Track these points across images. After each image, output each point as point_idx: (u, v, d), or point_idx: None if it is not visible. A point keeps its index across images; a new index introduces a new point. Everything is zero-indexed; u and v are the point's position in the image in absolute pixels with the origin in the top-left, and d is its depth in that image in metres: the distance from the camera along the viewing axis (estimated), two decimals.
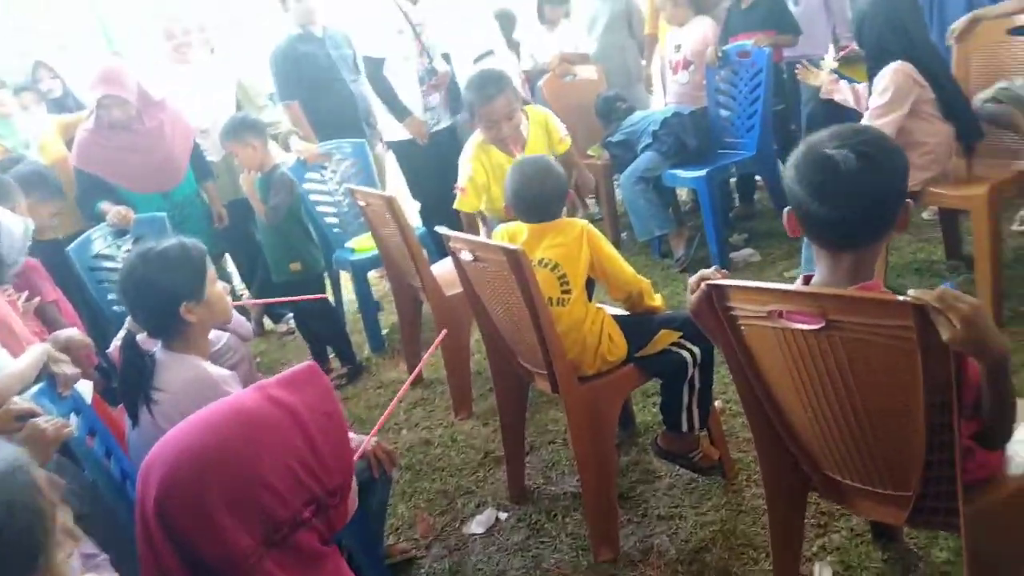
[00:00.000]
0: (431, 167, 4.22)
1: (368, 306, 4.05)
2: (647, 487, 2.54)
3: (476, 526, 2.56)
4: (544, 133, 3.25)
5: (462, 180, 3.19)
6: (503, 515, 2.59)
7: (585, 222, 2.31)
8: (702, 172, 3.84)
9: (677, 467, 2.50)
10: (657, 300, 2.36)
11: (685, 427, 2.32)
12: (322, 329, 3.86)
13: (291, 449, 1.11)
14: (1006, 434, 1.38)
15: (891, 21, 2.79)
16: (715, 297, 1.55)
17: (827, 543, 2.10)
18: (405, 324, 3.62)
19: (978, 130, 2.88)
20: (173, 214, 3.86)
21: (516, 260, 2.03)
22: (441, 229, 2.40)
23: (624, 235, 4.69)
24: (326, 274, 4.11)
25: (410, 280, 3.40)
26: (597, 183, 4.45)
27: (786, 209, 1.51)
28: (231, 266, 4.82)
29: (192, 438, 1.07)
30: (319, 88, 4.32)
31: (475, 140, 3.19)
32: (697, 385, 2.28)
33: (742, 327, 1.56)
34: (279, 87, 4.33)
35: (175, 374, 1.92)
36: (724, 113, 4.15)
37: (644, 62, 5.01)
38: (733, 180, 4.52)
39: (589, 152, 4.63)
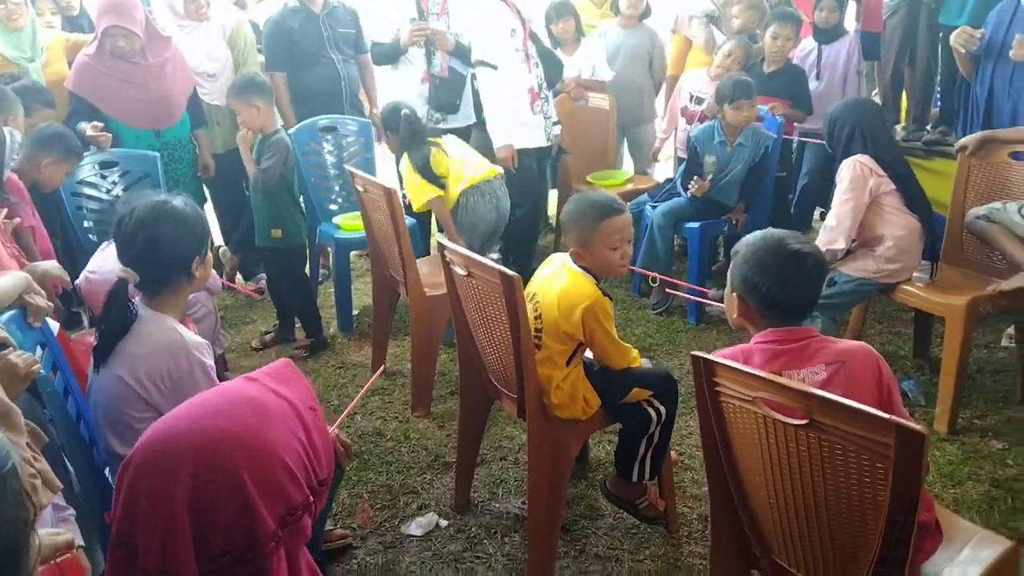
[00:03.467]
0: None
1: (344, 284, 4.04)
2: (589, 523, 2.57)
3: (415, 528, 2.58)
4: None
5: None
6: (444, 522, 2.61)
7: (594, 300, 2.16)
8: (696, 224, 3.90)
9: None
10: (637, 362, 2.36)
11: (636, 476, 2.36)
12: (293, 298, 3.84)
13: (296, 436, 1.13)
14: None
15: (860, 127, 3.02)
16: (703, 371, 1.59)
17: None
18: (379, 312, 3.61)
19: (932, 230, 3.05)
20: (163, 155, 3.83)
21: (511, 286, 2.05)
22: (440, 238, 2.40)
23: None
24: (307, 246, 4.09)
25: (392, 271, 3.40)
26: None
27: (732, 293, 1.79)
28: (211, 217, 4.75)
29: (217, 422, 1.06)
30: (304, 63, 4.32)
31: None
32: (656, 441, 2.33)
33: (723, 403, 1.61)
34: (268, 57, 4.34)
35: (151, 333, 1.90)
36: None
37: (659, 98, 5.05)
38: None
39: (588, 179, 4.67)
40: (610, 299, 2.24)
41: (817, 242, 3.04)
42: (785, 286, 1.70)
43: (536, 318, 2.22)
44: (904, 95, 4.50)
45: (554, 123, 4.19)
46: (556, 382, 2.22)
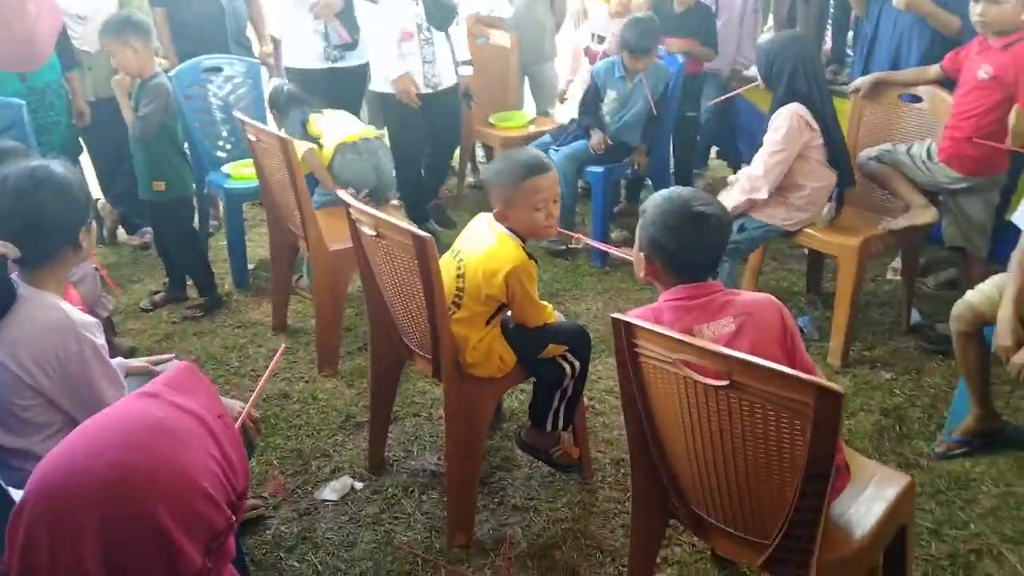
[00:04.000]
0: (324, 102, 4.02)
1: (237, 238, 3.85)
2: (506, 475, 2.59)
3: (329, 492, 2.52)
4: None
5: None
6: (359, 484, 2.56)
7: (518, 263, 2.12)
8: (600, 168, 3.89)
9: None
10: (552, 318, 2.34)
11: (550, 427, 2.38)
12: (181, 255, 3.63)
13: (211, 455, 1.02)
14: None
15: (802, 64, 2.95)
16: (623, 333, 1.58)
17: (669, 555, 2.22)
18: (277, 267, 3.46)
19: (851, 179, 3.10)
20: (31, 101, 3.50)
21: (423, 247, 1.98)
22: (343, 195, 2.29)
23: None
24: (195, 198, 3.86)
25: (290, 224, 3.24)
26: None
27: (640, 253, 1.79)
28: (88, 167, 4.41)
29: (121, 457, 0.94)
30: None
31: None
32: (569, 393, 2.34)
33: (642, 363, 1.61)
34: None
35: (33, 314, 1.74)
36: None
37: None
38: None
39: (490, 120, 4.57)
40: (535, 261, 2.20)
41: (739, 188, 3.07)
42: (690, 247, 1.72)
43: (459, 277, 2.16)
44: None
45: (462, 63, 4.03)
46: (473, 342, 2.18)
